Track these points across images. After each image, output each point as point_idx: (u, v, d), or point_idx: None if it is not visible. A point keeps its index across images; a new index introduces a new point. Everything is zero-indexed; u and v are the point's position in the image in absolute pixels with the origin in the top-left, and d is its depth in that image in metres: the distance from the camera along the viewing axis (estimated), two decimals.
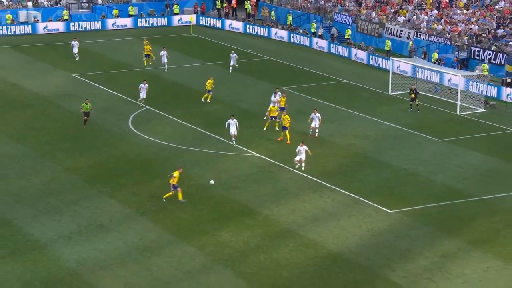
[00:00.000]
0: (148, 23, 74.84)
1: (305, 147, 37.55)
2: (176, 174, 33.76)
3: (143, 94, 47.59)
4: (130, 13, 75.24)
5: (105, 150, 40.67)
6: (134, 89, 50.66)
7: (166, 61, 56.39)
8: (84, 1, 76.03)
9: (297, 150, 37.66)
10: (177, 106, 48.30)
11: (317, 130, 42.14)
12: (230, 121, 41.04)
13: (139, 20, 74.61)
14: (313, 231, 31.17)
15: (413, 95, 47.72)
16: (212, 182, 35.21)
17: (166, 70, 56.07)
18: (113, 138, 42.60)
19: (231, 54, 56.71)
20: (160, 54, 56.56)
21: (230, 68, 56.07)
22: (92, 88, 53.06)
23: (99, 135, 43.06)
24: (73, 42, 60.15)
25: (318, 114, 42.10)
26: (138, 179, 36.61)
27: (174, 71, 57.69)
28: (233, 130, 40.80)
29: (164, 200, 33.73)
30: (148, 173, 37.35)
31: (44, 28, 71.31)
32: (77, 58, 59.23)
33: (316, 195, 34.89)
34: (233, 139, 40.97)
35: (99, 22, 73.55)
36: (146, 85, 47.72)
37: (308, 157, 38.64)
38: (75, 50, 59.68)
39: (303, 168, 37.52)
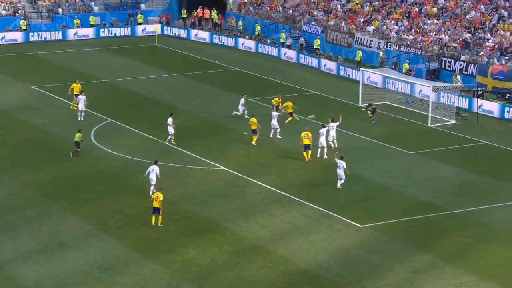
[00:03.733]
0: (111, 33, 74.61)
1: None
2: (160, 196, 33.02)
3: (81, 106, 47.11)
4: (92, 22, 74.96)
5: (67, 164, 40.40)
6: (96, 101, 50.47)
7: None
8: (44, 11, 75.60)
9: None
10: (142, 119, 48.21)
11: (335, 142, 42.21)
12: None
13: (101, 30, 74.35)
14: (282, 247, 31.25)
15: (370, 113, 47.76)
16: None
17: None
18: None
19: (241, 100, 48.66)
20: None
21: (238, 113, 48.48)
22: (53, 100, 52.75)
23: (60, 149, 42.75)
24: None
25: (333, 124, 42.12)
26: (101, 194, 36.42)
27: (138, 83, 57.58)
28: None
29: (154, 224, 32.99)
30: (111, 188, 37.18)
31: (2, 38, 70.75)
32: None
33: (285, 209, 35.00)
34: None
35: (60, 32, 73.11)
36: (84, 96, 47.30)
37: (277, 170, 38.87)
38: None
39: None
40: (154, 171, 35.67)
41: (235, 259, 30.30)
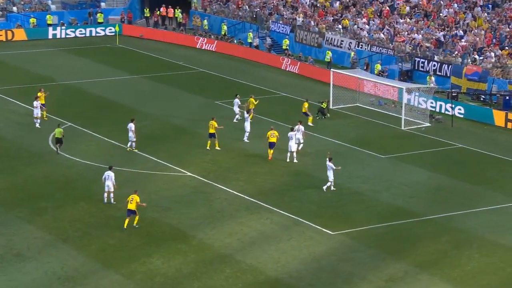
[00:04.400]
0: (69, 33, 74.05)
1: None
2: (137, 197, 33.16)
3: (36, 113, 46.34)
4: (49, 22, 74.35)
5: (23, 171, 39.99)
6: (54, 105, 50.05)
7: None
8: None
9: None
10: (103, 123, 47.89)
11: (300, 146, 42.37)
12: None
13: (59, 29, 73.79)
14: (250, 256, 31.20)
15: (317, 112, 48.46)
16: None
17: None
18: (32, 158, 41.92)
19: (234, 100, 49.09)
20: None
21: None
22: (7, 103, 52.21)
23: (16, 155, 42.33)
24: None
25: (301, 127, 42.47)
26: (60, 203, 36.10)
27: (98, 85, 57.22)
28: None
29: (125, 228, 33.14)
30: (71, 196, 36.86)
31: None
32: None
33: (254, 216, 34.97)
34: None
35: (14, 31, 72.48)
36: (39, 102, 46.67)
37: (245, 175, 38.84)
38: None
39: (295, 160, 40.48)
40: (110, 178, 35.47)
41: (201, 269, 30.17)
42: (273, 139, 41.69)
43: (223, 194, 37.44)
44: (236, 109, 48.21)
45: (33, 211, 35.06)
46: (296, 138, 42.17)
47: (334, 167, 37.54)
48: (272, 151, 41.70)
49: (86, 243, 32.13)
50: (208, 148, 42.90)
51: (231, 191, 37.79)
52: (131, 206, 33.17)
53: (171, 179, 39.34)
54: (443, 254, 31.68)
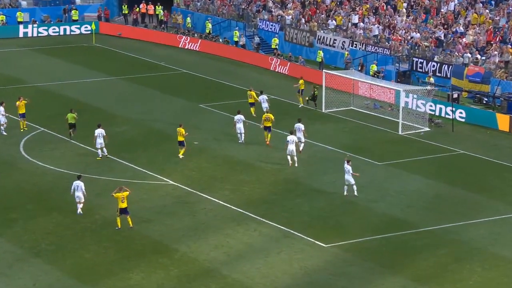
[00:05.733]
0: (42, 32, 74.01)
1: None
2: (126, 193, 33.99)
3: (3, 120, 46.29)
4: (19, 19, 74.34)
5: None
6: (26, 108, 49.98)
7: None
8: None
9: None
10: (78, 128, 47.90)
11: (301, 144, 43.29)
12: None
13: (30, 27, 73.74)
14: (238, 270, 31.31)
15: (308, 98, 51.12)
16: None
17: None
18: (1, 166, 41.94)
19: (260, 97, 50.44)
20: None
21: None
22: None
23: None
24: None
25: (301, 125, 43.52)
26: (32, 214, 36.12)
27: (73, 87, 57.25)
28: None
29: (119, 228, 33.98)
30: (44, 206, 36.90)
31: None
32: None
33: (241, 228, 35.09)
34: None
35: None
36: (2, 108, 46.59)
37: (232, 184, 38.95)
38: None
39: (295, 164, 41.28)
40: (79, 187, 35.60)
41: (185, 284, 30.27)
42: (268, 123, 44.39)
43: (208, 204, 37.55)
44: (266, 105, 49.47)
45: (2, 223, 35.06)
46: (296, 137, 42.74)
47: (352, 172, 37.84)
48: (269, 135, 43.70)
49: (60, 257, 32.17)
50: (181, 156, 42.81)
51: (216, 200, 37.92)
52: (124, 205, 33.74)
53: (152, 188, 39.42)
54: (443, 268, 31.90)
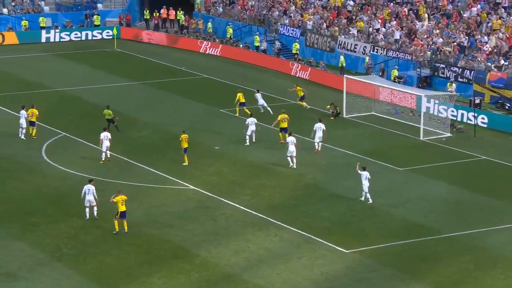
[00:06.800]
0: (64, 37, 74.34)
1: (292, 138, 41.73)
2: (125, 197, 34.26)
3: (21, 122, 46.19)
4: (42, 24, 74.72)
5: (14, 184, 40.13)
6: (47, 113, 50.27)
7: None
8: None
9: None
10: (99, 132, 47.96)
11: (320, 144, 44.42)
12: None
13: (52, 32, 74.09)
14: (258, 275, 31.22)
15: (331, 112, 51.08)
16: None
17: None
18: (23, 170, 42.07)
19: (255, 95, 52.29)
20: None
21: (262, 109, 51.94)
22: None
23: (6, 167, 42.47)
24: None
25: (321, 124, 44.44)
26: (53, 218, 36.20)
27: (94, 92, 57.41)
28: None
29: (117, 231, 34.23)
30: (64, 211, 36.97)
31: None
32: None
33: (262, 233, 35.00)
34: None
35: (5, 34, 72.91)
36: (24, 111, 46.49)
37: (252, 189, 38.90)
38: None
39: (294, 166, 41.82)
40: (91, 191, 35.68)
41: None
42: (284, 124, 45.18)
43: (228, 209, 37.49)
44: (262, 103, 51.20)
45: (24, 227, 35.16)
46: (317, 137, 44.07)
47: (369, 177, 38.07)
48: (286, 135, 43.56)
49: (81, 261, 32.21)
50: (186, 163, 42.73)
51: (237, 205, 37.86)
52: (124, 208, 34.04)
53: (172, 193, 39.42)
54: (466, 274, 31.66)
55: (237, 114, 50.91)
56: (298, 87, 54.32)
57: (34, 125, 46.81)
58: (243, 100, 51.13)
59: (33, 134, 46.70)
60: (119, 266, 31.89)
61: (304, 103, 53.24)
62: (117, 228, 34.31)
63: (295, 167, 42.25)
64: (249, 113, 48.05)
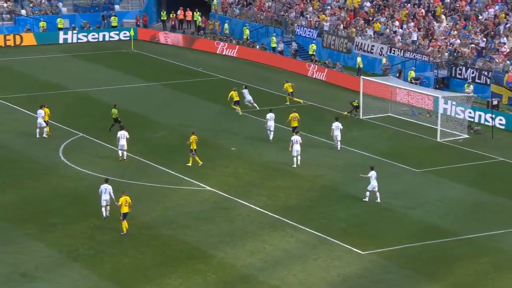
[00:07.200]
0: (81, 38, 74.60)
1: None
2: (129, 199, 34.32)
3: (39, 122, 46.59)
4: (60, 26, 75.02)
5: (32, 185, 40.27)
6: (65, 114, 50.47)
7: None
8: (5, 12, 75.57)
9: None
10: (116, 133, 48.12)
11: (339, 143, 45.08)
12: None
13: (70, 33, 74.37)
14: (274, 276, 31.19)
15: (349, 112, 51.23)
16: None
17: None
18: (41, 171, 42.22)
19: (242, 90, 53.30)
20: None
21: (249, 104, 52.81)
22: (15, 112, 52.65)
23: (24, 168, 42.63)
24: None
25: (339, 123, 45.14)
26: (71, 218, 36.30)
27: (112, 93, 57.56)
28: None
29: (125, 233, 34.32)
30: (82, 211, 37.06)
31: None
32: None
33: (278, 234, 34.97)
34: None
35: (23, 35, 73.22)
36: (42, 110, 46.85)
37: (269, 190, 38.90)
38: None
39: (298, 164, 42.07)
40: (107, 191, 35.78)
41: None
42: (295, 123, 45.58)
43: (244, 210, 37.49)
44: (249, 98, 52.20)
45: (42, 228, 35.27)
46: (335, 135, 44.82)
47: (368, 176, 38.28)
48: (294, 133, 43.65)
49: (98, 262, 32.28)
50: (190, 164, 42.71)
51: (253, 206, 37.84)
52: (126, 209, 34.20)
53: (189, 194, 39.45)
54: (484, 276, 31.51)
55: (239, 112, 51.68)
56: (287, 83, 55.01)
57: (47, 124, 47.09)
58: (237, 99, 51.92)
59: (47, 133, 46.95)
60: (136, 266, 31.94)
61: (296, 98, 54.16)
62: (124, 230, 34.36)
63: (299, 164, 42.53)
64: (240, 113, 49.83)
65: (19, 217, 36.37)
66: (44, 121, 46.99)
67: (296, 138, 42.68)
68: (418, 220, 36.69)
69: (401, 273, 31.62)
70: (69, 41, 74.21)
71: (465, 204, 38.79)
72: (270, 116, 46.70)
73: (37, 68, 64.91)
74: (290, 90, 54.77)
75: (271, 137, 46.48)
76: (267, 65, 66.14)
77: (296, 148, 42.45)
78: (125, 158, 43.21)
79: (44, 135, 46.87)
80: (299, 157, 42.62)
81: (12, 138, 47.51)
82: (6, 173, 41.77)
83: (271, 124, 46.47)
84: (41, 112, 46.90)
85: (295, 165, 42.51)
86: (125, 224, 34.31)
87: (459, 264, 32.48)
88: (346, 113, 51.62)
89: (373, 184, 38.16)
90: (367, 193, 38.19)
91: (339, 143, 45.14)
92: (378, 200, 38.23)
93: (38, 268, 31.61)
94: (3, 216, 36.48)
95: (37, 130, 46.89)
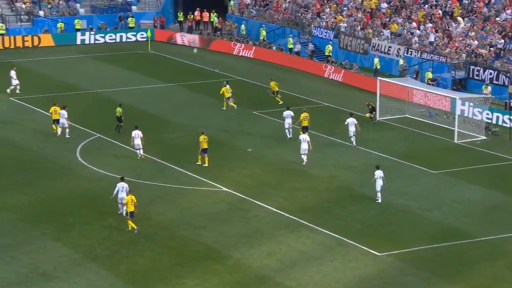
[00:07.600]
0: (99, 39, 74.86)
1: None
2: (135, 198, 34.65)
3: (62, 122, 47.13)
4: (77, 27, 75.28)
5: (49, 185, 40.44)
6: (82, 115, 50.65)
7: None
8: (23, 13, 75.93)
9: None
10: (130, 133, 48.26)
11: (353, 138, 45.75)
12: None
13: (87, 34, 74.63)
14: (291, 278, 31.18)
15: (368, 115, 51.00)
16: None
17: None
18: (58, 171, 42.39)
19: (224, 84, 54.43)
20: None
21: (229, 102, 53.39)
22: (33, 113, 52.88)
23: (42, 168, 42.82)
24: (11, 71, 56.87)
25: (353, 119, 45.74)
26: (88, 219, 36.42)
27: (129, 94, 57.73)
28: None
29: (129, 230, 34.63)
30: (99, 212, 37.18)
31: None
32: (17, 91, 56.14)
33: (294, 235, 34.96)
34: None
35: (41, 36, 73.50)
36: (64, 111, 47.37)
37: (285, 191, 38.87)
38: (14, 81, 56.41)
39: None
40: (124, 189, 35.94)
41: None
42: (306, 123, 45.84)
43: (261, 211, 37.49)
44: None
45: (59, 228, 35.41)
46: (350, 131, 45.36)
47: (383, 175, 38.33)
48: (300, 132, 44.12)
49: (115, 262, 32.37)
50: (199, 163, 42.81)
51: (269, 207, 37.84)
52: (132, 208, 34.47)
53: (205, 195, 39.50)
54: (500, 279, 31.39)
55: (224, 108, 52.96)
56: (272, 82, 55.21)
57: (58, 123, 47.37)
58: (228, 95, 52.87)
59: (58, 132, 47.17)
60: (152, 267, 32.01)
61: (278, 97, 54.36)
62: (130, 227, 34.70)
63: (305, 161, 42.78)
64: (235, 107, 51.65)
65: (36, 217, 36.53)
66: (56, 119, 47.38)
67: (303, 136, 42.82)
68: (435, 222, 36.59)
69: (418, 275, 31.53)
70: (87, 42, 74.47)
71: (482, 206, 38.64)
72: (288, 114, 47.22)
73: (55, 69, 65.17)
74: (276, 88, 54.78)
75: (290, 135, 46.94)
76: (283, 66, 66.11)
77: (304, 146, 42.60)
78: (142, 154, 43.33)
79: (67, 135, 47.11)
80: (305, 156, 42.88)
81: (30, 139, 47.72)
82: (24, 173, 41.96)
83: (289, 121, 47.01)
84: (63, 112, 47.16)
85: (304, 163, 42.77)
86: (131, 223, 34.58)
87: (476, 266, 32.37)
88: (368, 114, 51.25)
89: (379, 183, 38.07)
90: (378, 194, 38.12)
91: (354, 138, 45.45)
92: (379, 200, 38.01)
93: (56, 268, 31.74)
94: (20, 216, 36.66)
95: (59, 130, 47.15)
